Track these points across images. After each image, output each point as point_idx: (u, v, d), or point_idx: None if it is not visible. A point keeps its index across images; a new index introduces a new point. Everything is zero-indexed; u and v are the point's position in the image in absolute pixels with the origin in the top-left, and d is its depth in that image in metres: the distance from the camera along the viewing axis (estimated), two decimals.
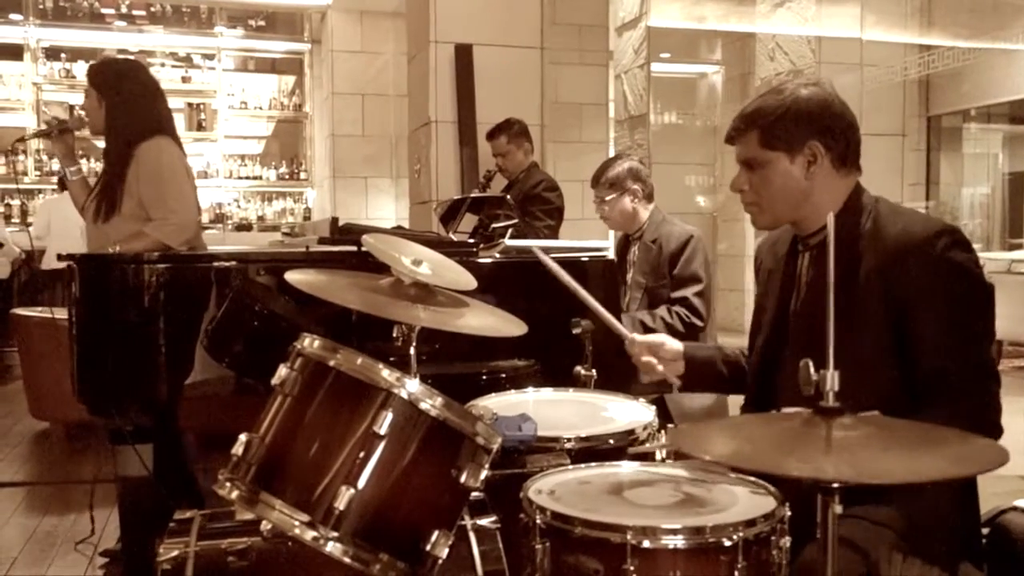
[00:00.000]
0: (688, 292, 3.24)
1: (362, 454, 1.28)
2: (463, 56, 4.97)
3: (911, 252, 1.62)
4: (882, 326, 1.62)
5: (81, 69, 8.63)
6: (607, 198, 3.42)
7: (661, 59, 8.45)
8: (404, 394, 1.30)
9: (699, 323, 3.21)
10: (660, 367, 1.97)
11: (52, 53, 8.86)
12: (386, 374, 1.31)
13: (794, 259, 1.84)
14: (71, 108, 8.71)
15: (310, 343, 1.38)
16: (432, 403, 1.31)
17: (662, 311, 3.24)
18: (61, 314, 4.63)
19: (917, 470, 1.05)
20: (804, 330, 1.74)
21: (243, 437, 1.33)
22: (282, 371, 1.37)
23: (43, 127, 3.32)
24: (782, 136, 1.71)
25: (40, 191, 8.57)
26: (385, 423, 1.28)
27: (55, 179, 7.72)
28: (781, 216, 1.79)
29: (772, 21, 6.61)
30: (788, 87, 1.75)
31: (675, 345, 2.00)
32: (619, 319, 2.91)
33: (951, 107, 8.89)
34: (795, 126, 1.70)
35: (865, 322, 1.64)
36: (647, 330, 3.18)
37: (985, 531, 1.70)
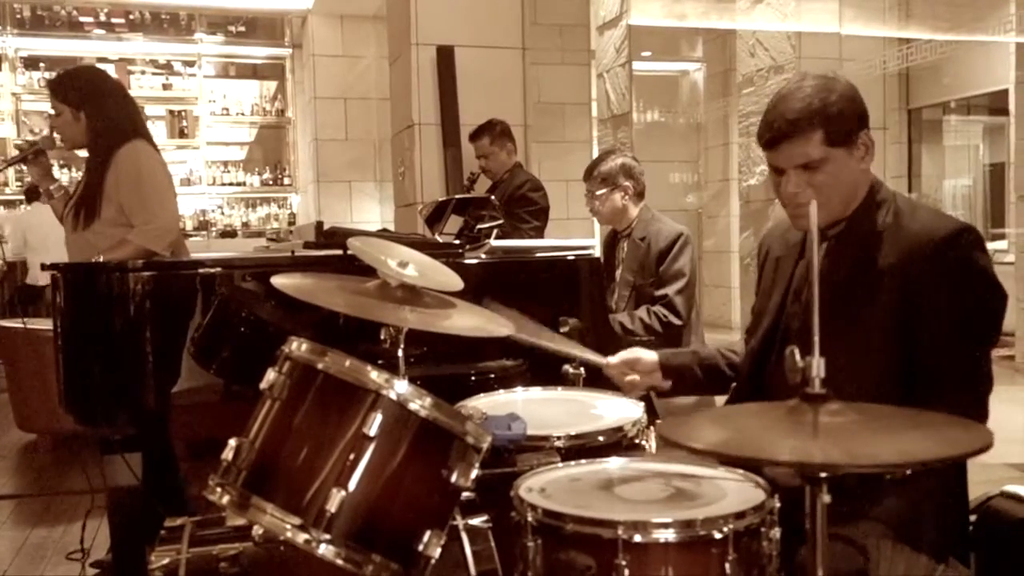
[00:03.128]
0: (670, 290, 3.24)
1: (352, 456, 1.28)
2: (445, 58, 4.97)
3: (932, 248, 1.62)
4: (891, 319, 1.63)
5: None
6: (598, 192, 3.43)
7: (642, 57, 8.49)
8: (393, 395, 1.30)
9: (677, 322, 3.21)
10: (641, 387, 2.00)
11: (31, 63, 8.80)
12: (375, 376, 1.31)
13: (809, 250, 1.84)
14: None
15: (298, 346, 1.38)
16: (421, 403, 1.31)
17: (641, 312, 3.25)
18: (39, 325, 4.62)
19: (905, 452, 1.06)
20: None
21: (233, 442, 1.33)
22: (270, 375, 1.37)
23: (17, 152, 3.30)
24: (844, 132, 1.67)
25: (21, 202, 8.52)
26: (375, 424, 1.28)
27: (24, 194, 7.67)
28: (835, 213, 1.72)
29: (752, 17, 6.65)
30: (815, 82, 1.69)
31: (650, 357, 2.02)
32: (606, 316, 2.93)
33: (931, 100, 8.95)
34: (851, 120, 1.68)
35: (876, 313, 1.64)
36: (626, 331, 3.18)
37: (973, 517, 1.72)
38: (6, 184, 8.54)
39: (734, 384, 2.00)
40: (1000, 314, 1.65)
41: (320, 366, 1.34)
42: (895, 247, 1.67)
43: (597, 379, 2.19)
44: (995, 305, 1.63)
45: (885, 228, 1.70)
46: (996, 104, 8.58)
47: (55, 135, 3.11)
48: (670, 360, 2.03)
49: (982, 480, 1.78)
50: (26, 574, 3.26)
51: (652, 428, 1.88)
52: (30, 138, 8.15)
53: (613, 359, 2.02)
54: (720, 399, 2.33)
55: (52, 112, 3.05)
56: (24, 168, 8.30)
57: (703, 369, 2.02)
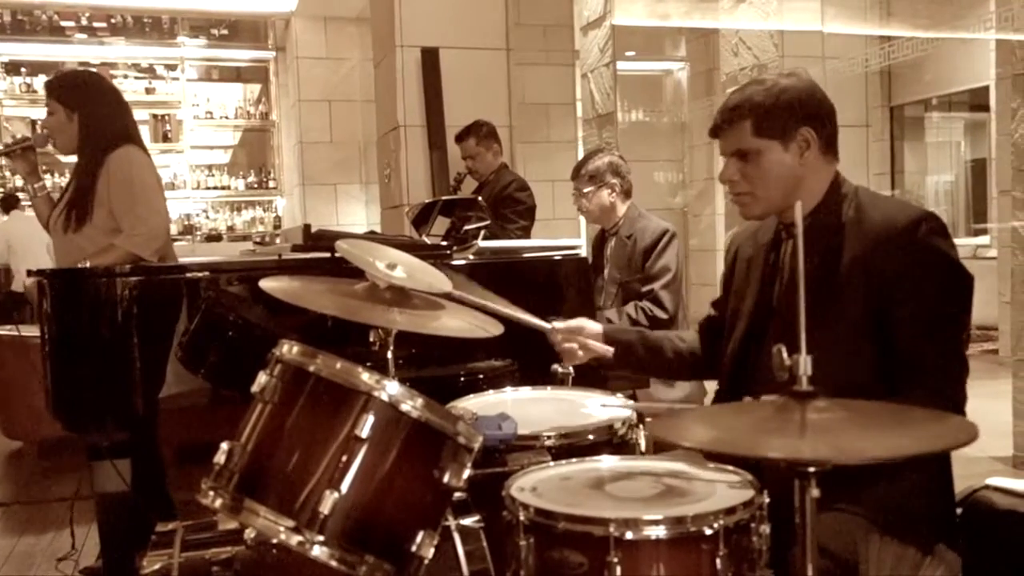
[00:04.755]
0: (656, 285, 3.27)
1: (345, 458, 1.28)
2: (429, 60, 4.98)
3: (894, 238, 1.64)
4: (862, 312, 1.65)
5: (42, 83, 8.53)
6: (586, 191, 3.45)
7: (626, 57, 8.51)
8: (385, 396, 1.30)
9: (663, 316, 3.24)
10: (581, 352, 2.01)
11: (12, 67, 8.75)
12: (366, 377, 1.31)
13: (777, 247, 1.85)
14: (33, 124, 8.61)
15: (289, 349, 1.38)
16: (413, 404, 1.32)
17: (628, 308, 3.28)
18: (25, 331, 4.59)
19: (892, 447, 1.07)
20: (788, 317, 1.76)
21: (225, 445, 1.32)
22: (262, 378, 1.37)
23: (3, 146, 3.27)
24: (776, 124, 1.72)
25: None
26: (367, 426, 1.28)
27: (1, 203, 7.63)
28: (774, 205, 1.78)
29: (735, 17, 6.67)
30: (769, 78, 1.77)
31: (594, 327, 2.04)
32: (593, 315, 2.95)
33: (913, 97, 9.01)
34: (787, 113, 1.72)
35: (845, 308, 1.66)
36: None
37: (959, 511, 1.74)
38: None
39: (717, 388, 2.01)
40: (967, 298, 1.67)
41: (311, 368, 1.34)
42: (859, 239, 1.69)
43: (586, 378, 2.20)
44: (961, 290, 1.66)
45: (848, 222, 1.73)
46: (977, 100, 8.65)
47: (45, 132, 3.09)
48: (614, 334, 2.06)
49: (967, 473, 1.80)
50: None
51: (641, 427, 1.88)
52: (24, 131, 8.11)
53: (559, 324, 2.04)
54: (708, 399, 2.34)
55: (45, 113, 3.05)
56: (8, 174, 8.30)
57: (646, 347, 2.07)
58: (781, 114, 1.72)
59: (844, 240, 1.70)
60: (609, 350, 2.02)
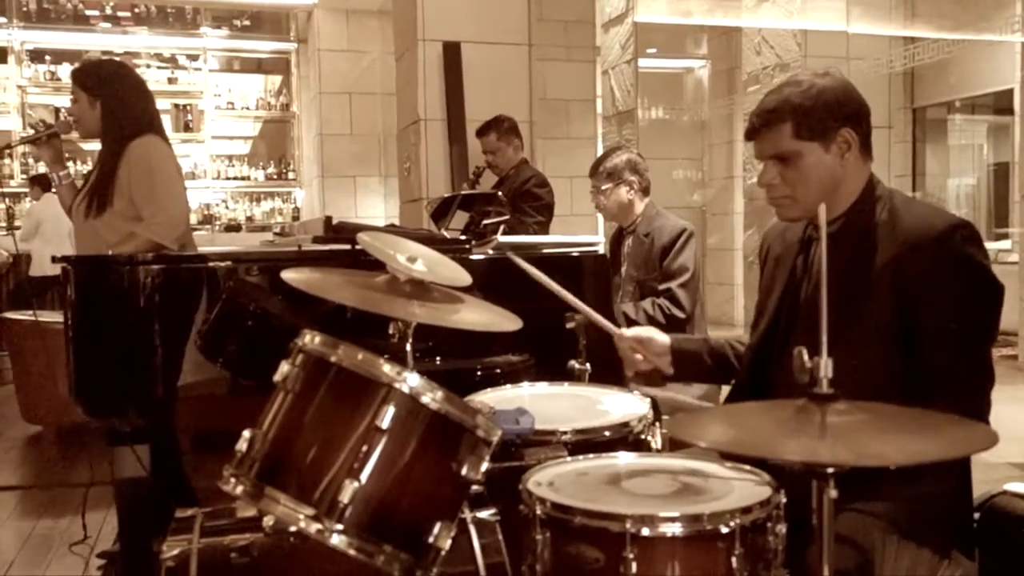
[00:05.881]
0: (673, 284, 3.27)
1: (365, 448, 1.29)
2: (451, 54, 4.99)
3: (928, 243, 1.63)
4: (890, 316, 1.64)
5: (66, 71, 8.60)
6: (604, 188, 3.45)
7: (648, 54, 8.49)
8: (405, 388, 1.31)
9: (680, 315, 3.24)
10: (644, 365, 2.01)
11: (36, 55, 8.82)
12: (387, 369, 1.32)
13: (808, 247, 1.84)
14: (56, 111, 8.68)
15: (311, 339, 1.39)
16: (433, 397, 1.32)
17: (645, 303, 3.28)
18: (47, 317, 4.65)
19: (913, 452, 1.07)
20: (815, 317, 1.75)
21: (247, 433, 1.33)
22: (284, 367, 1.38)
23: (30, 132, 3.31)
24: (817, 126, 1.70)
25: (26, 195, 8.55)
26: (387, 417, 1.29)
27: (34, 181, 7.66)
28: (813, 207, 1.72)
29: (758, 15, 6.65)
30: (804, 78, 1.74)
31: (662, 339, 2.03)
32: (611, 312, 2.95)
33: (936, 99, 8.95)
34: (827, 114, 1.70)
35: (873, 311, 1.65)
36: (629, 322, 3.21)
37: (977, 515, 1.73)
38: (11, 176, 8.55)
39: (734, 380, 2.01)
40: (997, 309, 1.66)
41: (333, 359, 1.35)
42: (891, 243, 1.67)
43: (603, 375, 2.20)
44: (992, 300, 1.64)
45: (881, 225, 1.71)
46: (1001, 103, 8.58)
47: (70, 118, 3.12)
48: (681, 344, 2.04)
49: (985, 479, 1.79)
50: (33, 565, 3.28)
51: (658, 425, 1.89)
52: (47, 119, 8.16)
53: (627, 332, 2.03)
54: (724, 397, 2.34)
55: (69, 100, 3.09)
56: (32, 160, 8.35)
57: (712, 357, 2.04)
58: (821, 115, 1.70)
59: (877, 242, 1.69)
60: (668, 371, 2.01)
